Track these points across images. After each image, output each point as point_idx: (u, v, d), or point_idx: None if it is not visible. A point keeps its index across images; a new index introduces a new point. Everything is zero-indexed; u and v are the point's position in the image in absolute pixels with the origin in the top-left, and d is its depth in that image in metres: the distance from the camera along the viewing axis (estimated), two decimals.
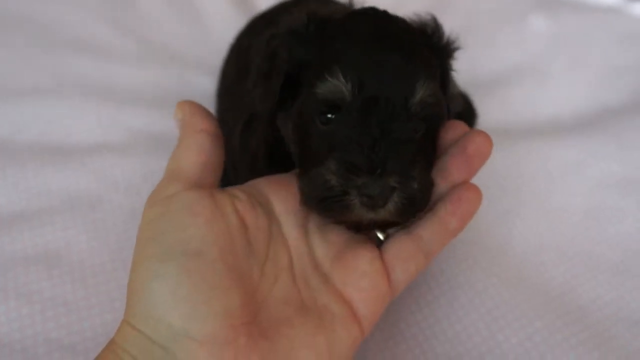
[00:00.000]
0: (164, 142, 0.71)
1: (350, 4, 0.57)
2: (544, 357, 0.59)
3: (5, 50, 0.87)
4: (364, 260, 0.48)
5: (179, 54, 0.93)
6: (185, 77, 0.89)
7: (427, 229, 0.50)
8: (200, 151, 0.47)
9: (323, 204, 0.44)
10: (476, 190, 0.50)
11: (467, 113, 0.80)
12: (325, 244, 0.49)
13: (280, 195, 0.50)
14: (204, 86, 0.85)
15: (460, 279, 0.65)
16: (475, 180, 0.73)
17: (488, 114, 0.82)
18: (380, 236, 0.51)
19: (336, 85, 0.45)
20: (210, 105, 0.80)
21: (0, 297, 0.59)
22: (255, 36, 0.71)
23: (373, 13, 0.51)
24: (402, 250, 0.49)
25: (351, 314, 0.47)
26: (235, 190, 0.48)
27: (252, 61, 0.53)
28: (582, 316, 0.62)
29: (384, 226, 0.49)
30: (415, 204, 0.45)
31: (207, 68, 0.87)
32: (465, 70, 0.87)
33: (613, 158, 0.77)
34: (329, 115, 0.46)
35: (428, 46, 0.50)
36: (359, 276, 0.48)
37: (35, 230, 0.66)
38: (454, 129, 0.52)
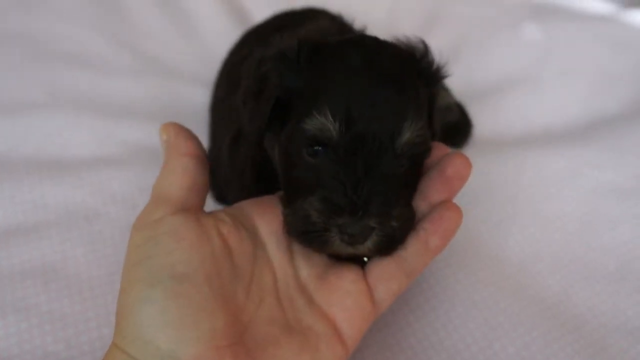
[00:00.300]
0: (159, 154, 0.70)
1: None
2: None
3: None
4: (347, 280, 0.49)
5: (174, 66, 0.93)
6: (180, 90, 0.89)
7: (409, 249, 0.50)
8: (184, 175, 0.48)
9: (305, 237, 0.46)
10: (456, 209, 0.51)
11: (462, 123, 0.81)
12: (309, 265, 0.50)
13: (266, 218, 0.51)
14: (199, 99, 0.85)
15: (457, 289, 0.65)
16: (469, 190, 0.74)
17: (483, 123, 0.83)
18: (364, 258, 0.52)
19: (323, 123, 0.45)
20: (205, 117, 0.80)
21: None
22: (247, 51, 0.71)
23: (364, 42, 0.51)
24: (384, 270, 0.50)
25: (335, 333, 0.47)
26: (221, 214, 0.49)
27: (243, 77, 0.54)
28: (579, 325, 0.63)
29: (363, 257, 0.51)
30: (394, 241, 0.47)
31: (202, 81, 0.88)
32: (459, 80, 0.88)
33: (607, 166, 0.77)
34: (317, 148, 0.46)
35: (417, 71, 0.50)
36: (343, 296, 0.49)
37: (31, 244, 0.66)
38: (434, 150, 0.52)
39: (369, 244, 0.45)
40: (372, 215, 0.44)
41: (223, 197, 0.69)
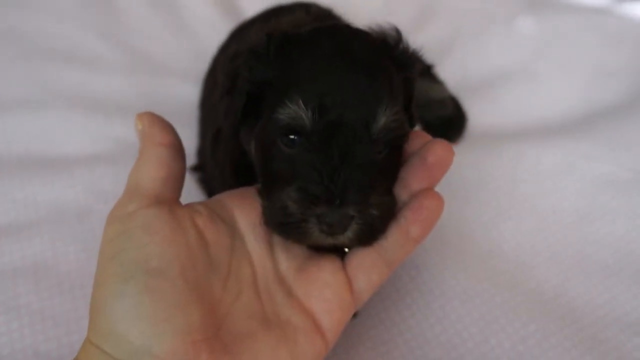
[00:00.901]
0: None
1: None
2: None
3: None
4: (326, 271, 0.49)
5: (166, 63, 0.93)
6: (172, 86, 0.88)
7: (389, 238, 0.49)
8: (159, 165, 0.47)
9: (283, 228, 0.45)
10: (437, 198, 0.50)
11: (457, 117, 0.81)
12: (288, 257, 0.50)
13: (244, 210, 0.50)
14: (191, 95, 0.84)
15: (452, 284, 0.64)
16: (464, 184, 0.73)
17: (478, 117, 0.82)
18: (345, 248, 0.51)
19: (296, 112, 0.45)
20: (196, 114, 0.80)
21: None
22: (233, 48, 0.71)
23: (335, 30, 0.51)
24: (364, 260, 0.49)
25: (314, 326, 0.47)
26: (197, 205, 0.49)
27: (219, 74, 0.54)
28: (576, 319, 0.62)
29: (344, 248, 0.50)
30: (375, 230, 0.46)
31: (194, 77, 0.87)
32: (454, 73, 0.88)
33: (604, 159, 0.76)
34: (292, 137, 0.46)
35: (390, 57, 0.50)
36: (322, 287, 0.48)
37: (23, 242, 0.65)
38: (416, 139, 0.52)
39: (349, 233, 0.45)
40: (350, 204, 0.43)
41: (212, 193, 0.69)
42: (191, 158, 0.74)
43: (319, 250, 0.50)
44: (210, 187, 0.69)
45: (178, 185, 0.49)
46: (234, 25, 0.88)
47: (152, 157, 0.47)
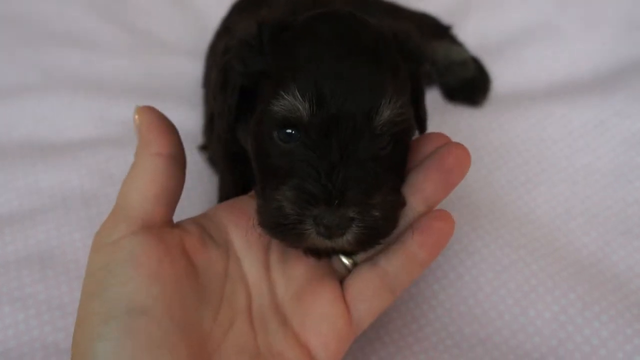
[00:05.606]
0: None
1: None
2: (581, 331, 0.55)
3: None
4: (324, 300, 0.45)
5: (170, 41, 0.90)
6: (177, 65, 0.85)
7: (393, 262, 0.46)
8: (152, 181, 0.43)
9: (278, 230, 0.42)
10: (447, 218, 0.47)
11: (480, 79, 0.77)
12: (286, 279, 0.46)
13: (240, 227, 0.47)
14: (197, 73, 0.81)
15: (485, 254, 0.60)
16: (492, 150, 0.69)
17: (501, 77, 0.79)
18: (346, 261, 0.48)
19: (292, 103, 0.41)
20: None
21: None
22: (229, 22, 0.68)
23: (337, 16, 0.46)
24: (365, 287, 0.46)
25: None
26: (189, 225, 0.45)
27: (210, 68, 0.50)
28: (620, 284, 0.58)
29: (344, 253, 0.47)
30: (378, 233, 0.43)
31: (199, 55, 0.83)
32: (473, 33, 0.83)
33: (637, 115, 0.72)
34: (289, 131, 0.43)
35: (398, 48, 0.46)
36: (319, 319, 0.45)
37: (27, 230, 0.63)
38: (430, 140, 0.48)
39: (348, 237, 0.41)
40: (349, 205, 0.40)
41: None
42: (198, 137, 0.72)
43: (318, 256, 0.46)
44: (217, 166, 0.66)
45: (172, 201, 0.45)
46: None
47: (146, 170, 0.43)
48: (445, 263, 0.60)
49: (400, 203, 0.45)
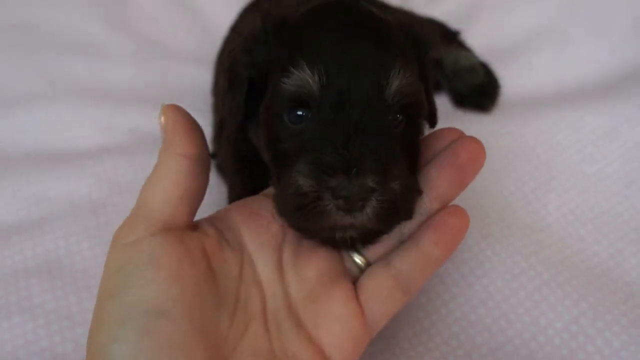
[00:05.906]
0: None
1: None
2: (592, 341, 0.55)
3: None
4: (337, 301, 0.44)
5: (177, 48, 0.90)
6: (185, 72, 0.85)
7: (407, 261, 0.45)
8: (175, 183, 0.42)
9: (298, 215, 0.40)
10: (462, 214, 0.45)
11: (489, 84, 0.77)
12: (299, 280, 0.45)
13: (253, 229, 0.46)
14: (205, 80, 0.81)
15: (495, 262, 0.60)
16: (501, 155, 0.69)
17: (510, 83, 0.78)
18: (358, 260, 0.47)
19: (302, 78, 0.41)
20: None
21: (2, 314, 0.56)
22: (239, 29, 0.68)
23: (341, 4, 0.46)
24: (379, 287, 0.45)
25: None
26: (207, 227, 0.44)
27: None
28: (632, 293, 0.58)
29: (364, 239, 0.44)
30: (398, 208, 0.41)
31: (206, 61, 0.83)
32: (482, 39, 0.83)
33: None
34: (299, 113, 0.42)
35: (404, 33, 0.46)
36: (332, 320, 0.44)
37: (35, 240, 0.62)
38: (443, 135, 0.47)
39: (368, 211, 0.39)
40: (369, 172, 0.38)
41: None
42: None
43: (335, 245, 0.45)
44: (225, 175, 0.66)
45: (195, 204, 0.44)
46: (245, 2, 0.83)
47: (170, 171, 0.42)
48: (454, 271, 0.60)
49: (417, 188, 0.44)
